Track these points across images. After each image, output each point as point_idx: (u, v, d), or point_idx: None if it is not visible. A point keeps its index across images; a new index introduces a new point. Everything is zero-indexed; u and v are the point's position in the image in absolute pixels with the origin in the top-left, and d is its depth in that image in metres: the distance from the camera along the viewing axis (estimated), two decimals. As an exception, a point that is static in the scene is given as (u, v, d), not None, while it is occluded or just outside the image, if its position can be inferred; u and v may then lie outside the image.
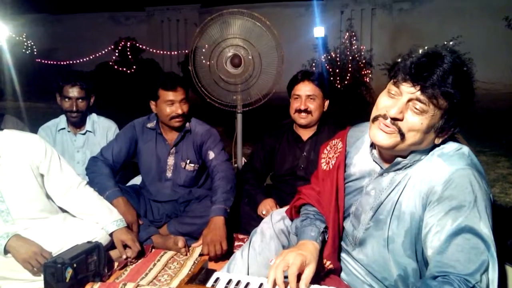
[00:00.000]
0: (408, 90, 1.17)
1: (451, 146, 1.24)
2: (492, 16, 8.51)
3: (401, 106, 1.18)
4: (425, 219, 1.19)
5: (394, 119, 1.19)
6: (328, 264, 1.43)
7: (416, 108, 1.16)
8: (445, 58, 1.15)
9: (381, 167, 1.33)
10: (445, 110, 1.16)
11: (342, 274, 1.49)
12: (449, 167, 1.18)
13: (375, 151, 1.35)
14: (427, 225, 1.18)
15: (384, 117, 1.21)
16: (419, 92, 1.15)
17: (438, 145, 1.25)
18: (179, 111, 2.38)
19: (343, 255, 1.49)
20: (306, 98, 2.39)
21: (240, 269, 1.54)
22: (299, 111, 2.40)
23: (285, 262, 1.25)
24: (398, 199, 1.26)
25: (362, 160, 1.41)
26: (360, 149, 1.43)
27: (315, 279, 1.34)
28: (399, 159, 1.26)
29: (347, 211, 1.44)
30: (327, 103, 2.47)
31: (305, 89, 2.40)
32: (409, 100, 1.17)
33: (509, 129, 6.15)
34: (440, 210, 1.16)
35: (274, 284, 1.23)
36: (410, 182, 1.25)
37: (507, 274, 1.35)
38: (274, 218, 1.61)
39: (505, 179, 3.84)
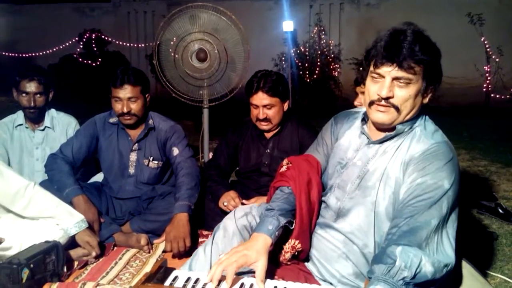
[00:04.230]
0: (388, 70, 1.33)
1: (432, 127, 1.44)
2: (456, 12, 8.73)
3: (388, 85, 1.34)
4: (404, 182, 1.35)
5: (387, 98, 1.35)
6: (296, 243, 1.48)
7: (401, 83, 1.33)
8: (406, 32, 1.33)
9: (368, 139, 1.48)
10: (423, 73, 1.33)
11: (313, 251, 1.53)
12: (429, 140, 1.37)
13: (365, 126, 1.51)
14: (402, 185, 1.34)
15: (378, 100, 1.36)
16: (397, 69, 1.32)
17: (422, 124, 1.42)
18: (125, 109, 2.34)
19: (319, 231, 1.54)
20: (263, 108, 2.35)
21: (203, 266, 1.54)
22: (258, 119, 2.39)
23: (228, 261, 1.29)
24: (386, 166, 1.40)
25: (352, 134, 1.56)
26: (353, 125, 1.58)
27: (272, 272, 1.41)
28: (387, 133, 1.42)
29: (330, 186, 1.55)
30: (286, 104, 2.44)
31: (260, 100, 2.34)
32: (393, 79, 1.33)
33: (470, 123, 6.36)
34: (413, 170, 1.33)
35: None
36: (397, 152, 1.40)
37: (463, 269, 1.40)
38: (237, 214, 1.60)
39: (464, 172, 3.97)
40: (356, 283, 1.44)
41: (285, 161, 1.62)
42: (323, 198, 1.57)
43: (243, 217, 1.58)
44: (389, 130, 1.43)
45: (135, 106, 2.37)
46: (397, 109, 1.35)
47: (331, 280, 1.47)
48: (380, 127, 1.45)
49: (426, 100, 1.40)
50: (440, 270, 1.15)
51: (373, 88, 1.38)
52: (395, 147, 1.41)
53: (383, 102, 1.36)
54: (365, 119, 1.52)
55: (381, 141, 1.44)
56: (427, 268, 1.13)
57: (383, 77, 1.35)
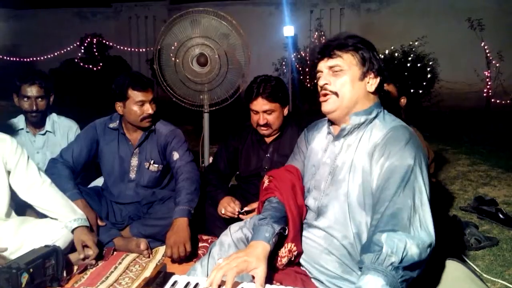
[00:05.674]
0: (322, 64, 1.51)
1: (391, 118, 1.52)
2: (456, 17, 8.76)
3: (325, 76, 1.50)
4: (372, 170, 1.41)
5: (324, 86, 1.49)
6: (292, 247, 1.49)
7: (335, 71, 1.48)
8: (340, 35, 1.53)
9: (333, 136, 1.57)
10: (357, 60, 1.47)
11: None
12: (386, 127, 1.46)
13: (331, 127, 1.60)
14: (373, 173, 1.40)
15: (320, 91, 1.52)
16: (326, 59, 1.49)
17: (381, 117, 1.50)
18: (150, 111, 2.36)
19: (303, 233, 1.58)
20: (263, 113, 2.35)
21: (200, 276, 1.53)
22: (259, 124, 2.39)
23: (229, 266, 1.29)
24: (352, 159, 1.47)
25: (321, 136, 1.67)
26: (322, 128, 1.69)
27: (270, 277, 1.40)
28: (343, 125, 1.52)
29: (307, 188, 1.62)
30: (286, 109, 2.44)
31: (260, 105, 2.34)
32: (328, 69, 1.49)
33: (470, 128, 6.35)
34: (379, 157, 1.40)
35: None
36: (360, 143, 1.47)
37: (447, 268, 1.41)
38: (232, 229, 1.63)
39: (464, 176, 3.96)
40: (344, 277, 1.45)
41: (265, 177, 1.70)
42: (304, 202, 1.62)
43: (238, 231, 1.60)
44: (344, 122, 1.52)
45: (155, 107, 2.40)
46: (336, 94, 1.48)
47: (320, 277, 1.49)
48: (334, 120, 1.55)
49: (371, 89, 1.49)
50: (424, 250, 1.20)
51: (319, 84, 1.53)
52: (357, 139, 1.48)
53: (322, 91, 1.50)
54: (330, 120, 1.62)
55: (344, 135, 1.51)
56: (413, 250, 1.17)
57: (322, 71, 1.51)
